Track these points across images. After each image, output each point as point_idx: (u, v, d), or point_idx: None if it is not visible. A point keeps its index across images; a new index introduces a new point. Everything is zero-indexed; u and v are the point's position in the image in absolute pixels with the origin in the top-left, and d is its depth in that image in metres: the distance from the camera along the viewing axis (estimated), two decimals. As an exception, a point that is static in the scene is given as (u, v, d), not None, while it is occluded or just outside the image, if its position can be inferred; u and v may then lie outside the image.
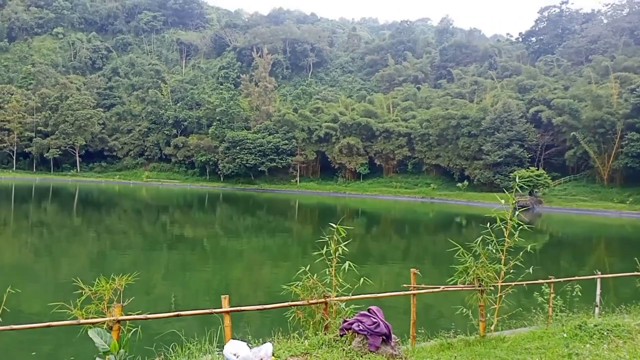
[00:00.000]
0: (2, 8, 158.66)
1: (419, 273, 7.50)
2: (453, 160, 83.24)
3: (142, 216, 44.09)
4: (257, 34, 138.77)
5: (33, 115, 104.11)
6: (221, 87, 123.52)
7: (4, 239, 27.36)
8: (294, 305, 6.53)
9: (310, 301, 6.39)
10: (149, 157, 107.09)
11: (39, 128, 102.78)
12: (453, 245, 7.88)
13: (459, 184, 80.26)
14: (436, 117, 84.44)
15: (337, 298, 6.58)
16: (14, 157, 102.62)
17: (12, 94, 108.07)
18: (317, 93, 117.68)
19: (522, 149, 75.87)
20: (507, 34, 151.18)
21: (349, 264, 6.59)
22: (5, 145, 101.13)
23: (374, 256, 25.44)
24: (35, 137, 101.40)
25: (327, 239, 6.71)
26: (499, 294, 8.18)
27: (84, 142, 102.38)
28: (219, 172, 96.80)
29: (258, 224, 41.25)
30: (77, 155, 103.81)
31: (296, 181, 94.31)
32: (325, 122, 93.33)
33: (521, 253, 8.47)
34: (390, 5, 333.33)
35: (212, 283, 18.42)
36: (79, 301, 5.19)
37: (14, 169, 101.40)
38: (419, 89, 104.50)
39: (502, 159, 75.49)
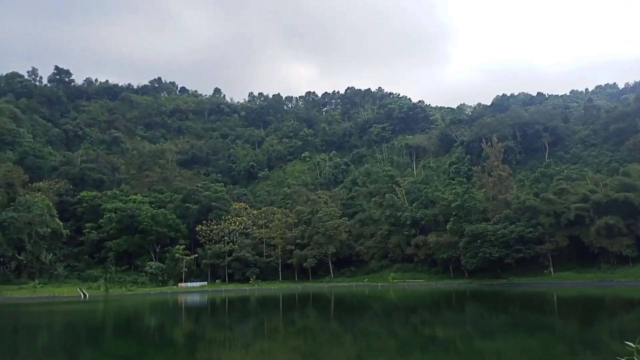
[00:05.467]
0: (261, 145, 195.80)
1: None
2: None
3: (392, 318, 45.07)
4: (483, 124, 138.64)
5: (291, 230, 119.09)
6: (453, 182, 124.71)
7: (277, 344, 30.89)
8: None
9: None
10: (393, 258, 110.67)
11: (297, 241, 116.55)
12: None
13: None
14: None
15: None
16: (279, 269, 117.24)
17: (274, 214, 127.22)
18: (558, 173, 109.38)
19: None
20: None
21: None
22: (272, 259, 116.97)
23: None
24: (295, 250, 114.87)
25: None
26: None
27: (334, 250, 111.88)
28: (462, 268, 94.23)
29: (513, 322, 38.28)
30: (329, 262, 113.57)
31: (550, 272, 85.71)
32: (574, 203, 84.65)
33: None
34: (628, 67, 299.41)
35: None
36: None
37: (280, 279, 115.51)
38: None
39: None
